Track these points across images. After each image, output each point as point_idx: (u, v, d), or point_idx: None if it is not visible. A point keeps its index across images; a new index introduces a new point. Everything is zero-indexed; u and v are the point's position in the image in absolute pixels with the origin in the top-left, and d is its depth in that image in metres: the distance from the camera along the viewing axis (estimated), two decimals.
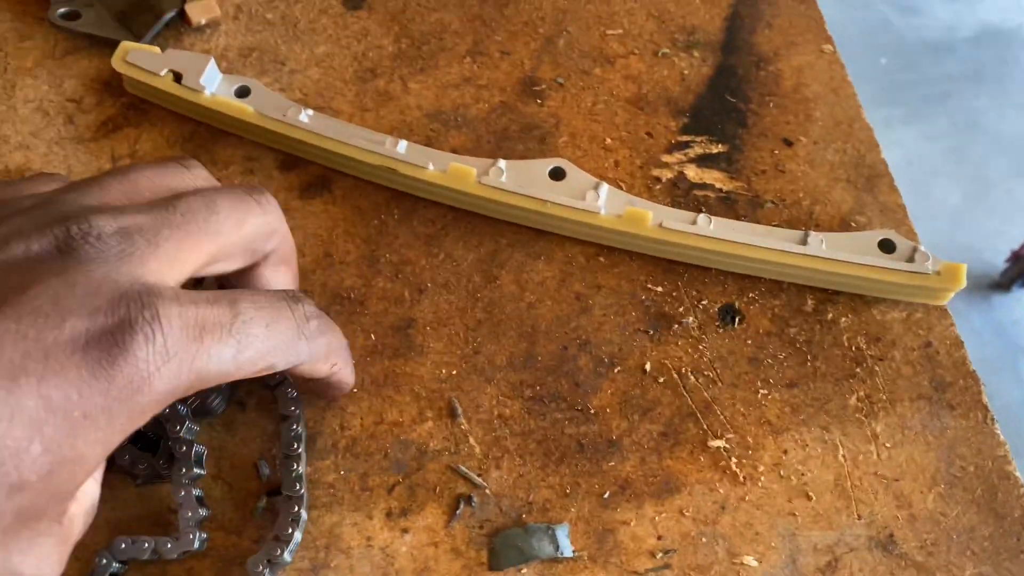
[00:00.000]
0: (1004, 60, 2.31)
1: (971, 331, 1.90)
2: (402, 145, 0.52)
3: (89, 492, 0.34)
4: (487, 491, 0.45)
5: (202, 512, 0.41)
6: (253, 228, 0.36)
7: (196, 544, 0.40)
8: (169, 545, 0.40)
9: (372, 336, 0.49)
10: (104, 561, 0.40)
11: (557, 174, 0.52)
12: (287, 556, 0.41)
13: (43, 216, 0.29)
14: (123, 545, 0.40)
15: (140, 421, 0.28)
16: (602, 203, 0.51)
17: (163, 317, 0.27)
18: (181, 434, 0.41)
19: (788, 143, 0.57)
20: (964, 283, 0.50)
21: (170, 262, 0.30)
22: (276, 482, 0.44)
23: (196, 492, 0.41)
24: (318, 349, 0.36)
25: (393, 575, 0.43)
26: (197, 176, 0.37)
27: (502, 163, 0.52)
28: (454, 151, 0.55)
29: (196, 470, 0.42)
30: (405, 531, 0.44)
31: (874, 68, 2.31)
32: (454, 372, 0.48)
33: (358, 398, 0.47)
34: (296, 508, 0.42)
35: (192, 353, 0.28)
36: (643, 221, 0.50)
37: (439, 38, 0.60)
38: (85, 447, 0.26)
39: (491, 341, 0.49)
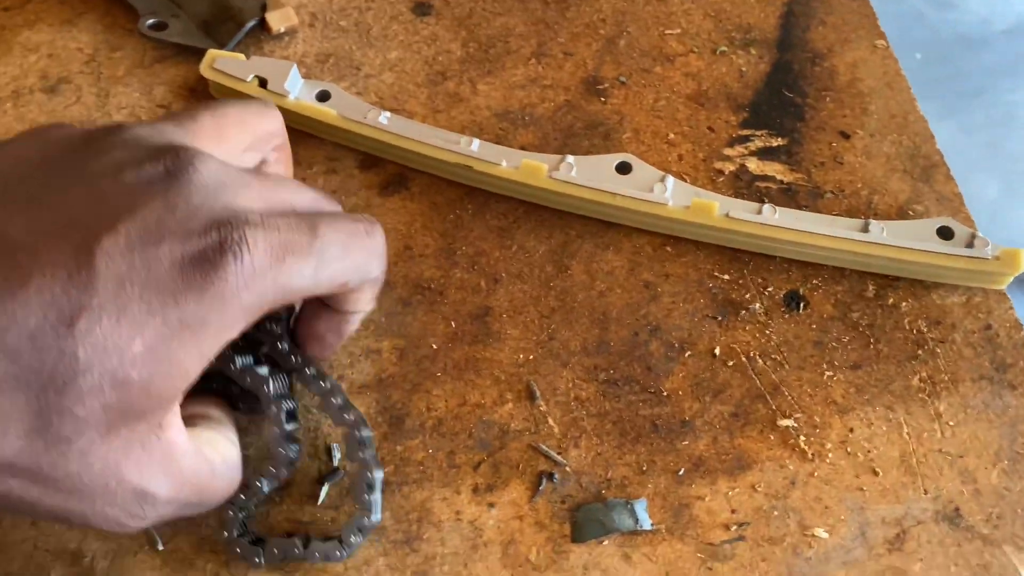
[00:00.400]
0: None
1: None
2: (475, 144, 0.55)
3: (223, 449, 0.37)
4: (567, 468, 0.47)
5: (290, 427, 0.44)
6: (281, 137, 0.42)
7: (292, 455, 0.44)
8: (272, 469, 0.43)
9: (452, 324, 0.51)
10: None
11: (623, 168, 0.55)
12: (376, 517, 0.44)
13: (152, 145, 0.32)
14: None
15: (232, 332, 0.30)
16: (669, 195, 0.53)
17: (250, 239, 0.30)
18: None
19: (845, 136, 0.59)
20: (1023, 267, 0.51)
21: (259, 197, 0.33)
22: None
23: (287, 406, 0.43)
24: (381, 268, 0.39)
25: (482, 546, 0.45)
26: (276, 118, 0.42)
27: (571, 159, 0.54)
28: (523, 148, 0.58)
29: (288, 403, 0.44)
30: (491, 505, 0.46)
31: (909, 63, 2.30)
32: (531, 357, 0.51)
33: (442, 381, 0.50)
34: (368, 473, 0.44)
35: (276, 271, 0.31)
36: (710, 212, 0.53)
37: (504, 41, 0.63)
38: (182, 352, 0.29)
39: (565, 327, 0.52)
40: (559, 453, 0.48)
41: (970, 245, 0.52)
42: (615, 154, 0.55)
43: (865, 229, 0.52)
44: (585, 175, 0.54)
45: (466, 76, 0.61)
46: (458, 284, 0.53)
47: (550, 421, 0.49)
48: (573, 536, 0.46)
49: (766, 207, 0.53)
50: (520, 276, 0.53)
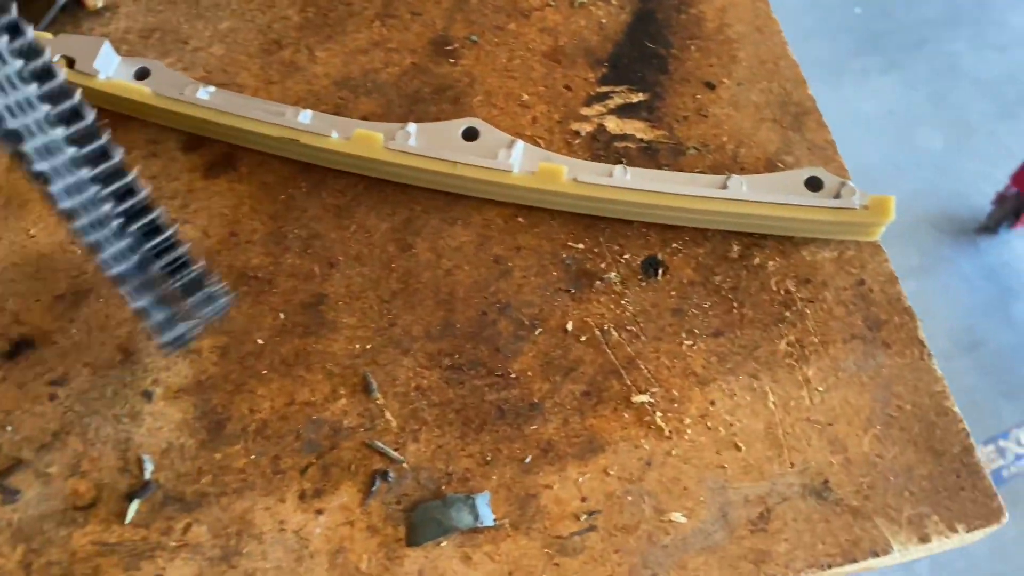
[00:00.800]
0: (980, 2, 2.27)
1: (960, 276, 1.87)
2: (305, 115, 0.50)
3: None
4: (404, 465, 0.43)
5: None
6: None
7: None
8: None
9: (281, 315, 0.47)
10: None
11: (470, 135, 0.50)
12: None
13: None
14: None
15: None
16: (515, 161, 0.49)
17: None
18: None
19: (711, 86, 0.55)
20: (893, 215, 0.48)
21: None
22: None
23: None
24: None
25: (308, 558, 0.41)
26: None
27: (411, 127, 0.50)
28: (364, 118, 0.53)
29: None
30: (319, 512, 0.42)
31: (849, 18, 2.27)
32: (368, 346, 0.46)
33: (268, 380, 0.45)
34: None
35: None
36: (557, 177, 0.48)
37: (347, 3, 0.58)
38: None
39: (407, 312, 0.47)
40: (396, 449, 0.44)
41: (838, 196, 0.48)
42: (462, 120, 0.51)
43: (725, 185, 0.48)
44: (428, 144, 0.50)
45: (304, 43, 0.56)
46: (289, 271, 0.48)
47: (387, 415, 0.45)
48: (408, 539, 0.42)
49: (617, 169, 0.49)
50: (359, 258, 0.49)
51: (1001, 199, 1.86)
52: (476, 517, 0.42)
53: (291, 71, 0.55)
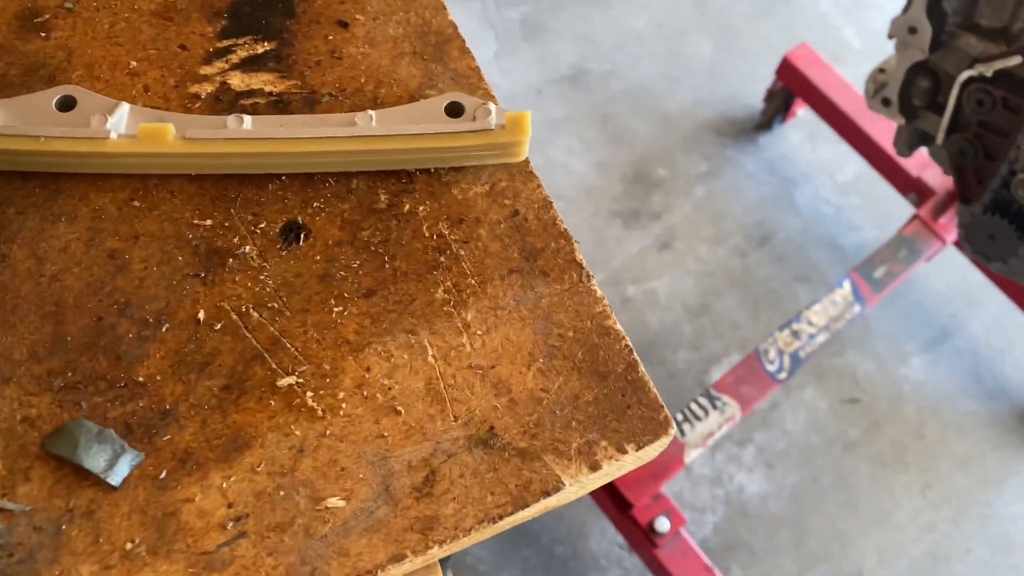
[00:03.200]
0: None
1: (745, 175, 1.95)
2: None
3: None
4: (15, 512, 0.38)
5: None
6: None
7: None
8: None
9: None
10: None
11: (67, 104, 0.44)
12: None
13: None
14: None
15: None
16: (114, 126, 0.43)
17: None
18: None
19: (344, 25, 0.50)
20: (529, 130, 0.45)
21: None
22: None
23: None
24: None
25: None
26: None
27: None
28: None
29: None
30: None
31: None
32: None
33: None
34: None
35: None
36: (162, 137, 0.43)
37: None
38: None
39: (6, 333, 0.41)
40: (3, 495, 0.38)
41: (475, 119, 0.45)
42: (55, 88, 0.44)
43: (353, 123, 0.44)
44: (12, 121, 0.43)
45: None
46: None
47: None
48: (46, 441, 0.37)
49: (231, 118, 0.43)
50: None
51: (770, 95, 1.93)
52: (110, 466, 0.37)
53: None
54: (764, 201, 1.90)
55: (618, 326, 0.43)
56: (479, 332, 0.42)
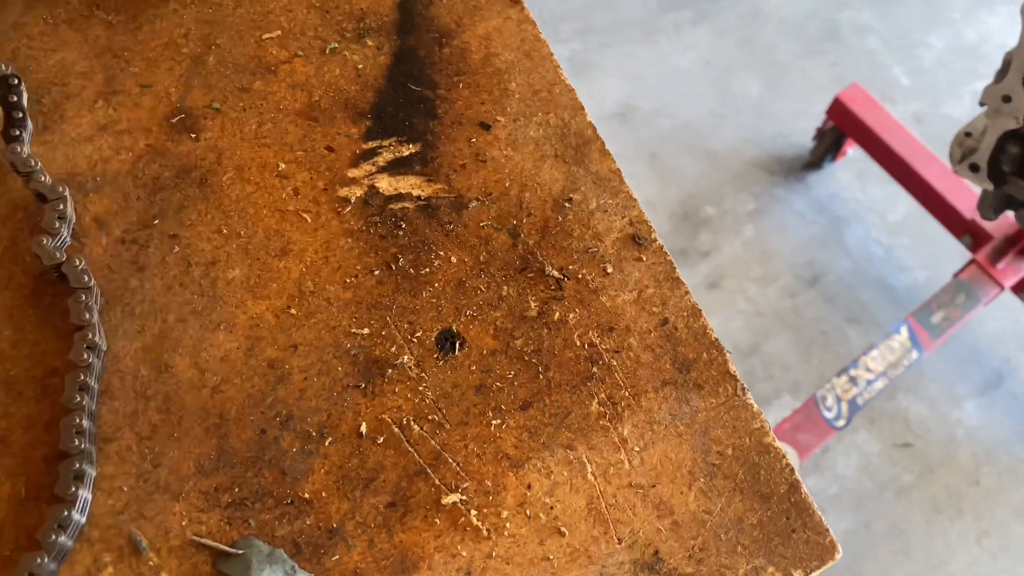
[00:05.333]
0: None
1: (794, 214, 1.94)
2: None
3: None
4: None
5: None
6: None
7: None
8: None
9: (22, 481, 0.40)
10: None
11: None
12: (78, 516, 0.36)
13: None
14: None
15: None
16: None
17: None
18: None
19: (486, 127, 0.50)
20: None
21: None
22: None
23: None
24: None
25: None
26: None
27: None
28: (97, 219, 0.46)
29: None
30: None
31: None
32: (132, 497, 0.40)
33: (10, 561, 0.38)
34: (77, 464, 0.35)
35: None
36: None
37: (61, 84, 0.50)
38: None
39: (172, 447, 0.41)
40: None
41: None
42: None
43: None
44: None
45: None
46: (23, 422, 0.41)
47: None
48: (217, 561, 0.37)
49: None
50: (107, 391, 0.42)
51: (820, 134, 1.93)
52: None
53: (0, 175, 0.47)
54: (813, 240, 1.89)
55: (777, 443, 0.43)
56: (636, 448, 0.42)
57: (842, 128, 1.78)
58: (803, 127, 2.04)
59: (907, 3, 2.27)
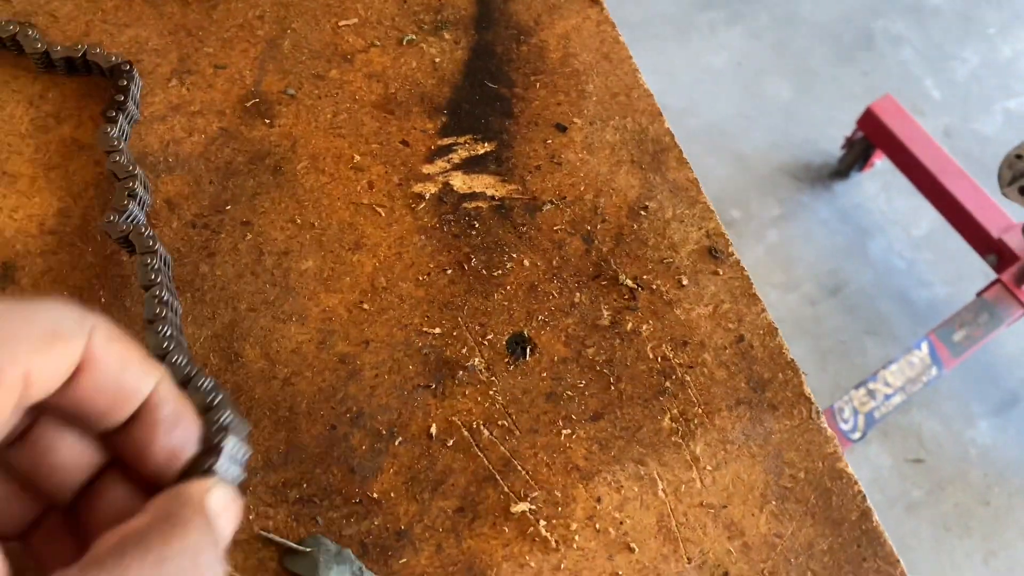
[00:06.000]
0: None
1: (819, 222, 1.93)
2: None
3: None
4: None
5: None
6: None
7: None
8: None
9: None
10: None
11: None
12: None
13: None
14: None
15: None
16: None
17: None
18: None
19: (562, 128, 0.49)
20: None
21: None
22: None
23: None
24: None
25: None
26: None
27: None
28: (169, 202, 0.45)
29: None
30: None
31: None
32: None
33: None
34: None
35: None
36: None
37: (135, 61, 0.49)
38: None
39: None
40: None
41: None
42: None
43: None
44: None
45: (86, 114, 0.47)
46: None
47: (232, 571, 0.38)
48: (284, 558, 0.37)
49: None
50: None
51: (850, 143, 1.92)
52: None
53: (75, 151, 0.46)
54: (837, 250, 1.88)
55: (850, 469, 0.42)
56: (708, 467, 0.42)
57: (872, 139, 1.77)
58: (832, 134, 2.02)
59: (943, 15, 2.25)
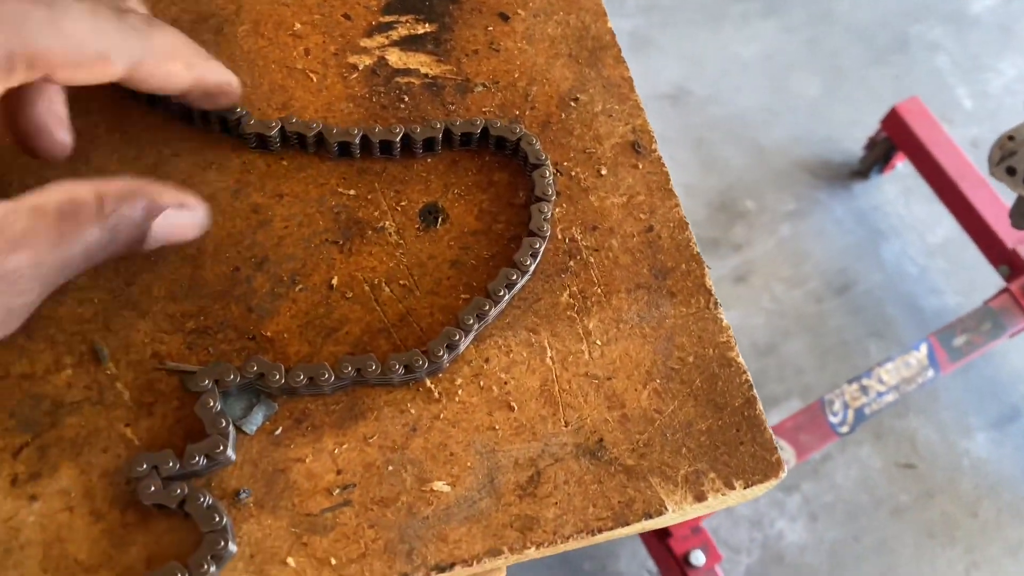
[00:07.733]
0: None
1: (834, 221, 1.91)
2: None
3: None
4: (135, 443, 0.39)
5: None
6: None
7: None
8: None
9: None
10: None
11: None
12: (232, 547, 0.37)
13: None
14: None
15: None
16: None
17: None
18: None
19: (504, 17, 0.50)
20: None
21: None
22: None
23: None
24: (156, 45, 0.37)
25: (17, 550, 0.36)
26: None
27: None
28: None
29: None
30: (34, 498, 0.37)
31: None
32: (100, 309, 0.41)
33: None
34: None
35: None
36: None
37: None
38: None
39: (147, 269, 0.42)
40: (127, 425, 0.39)
41: None
42: None
43: None
44: None
45: None
46: None
47: (119, 386, 0.40)
48: (184, 380, 0.39)
49: None
50: None
51: (872, 144, 1.89)
52: (245, 415, 0.38)
53: None
54: (849, 250, 1.86)
55: (740, 359, 0.43)
56: (599, 342, 0.42)
57: (895, 140, 1.75)
58: (855, 135, 2.00)
59: (982, 25, 2.21)
